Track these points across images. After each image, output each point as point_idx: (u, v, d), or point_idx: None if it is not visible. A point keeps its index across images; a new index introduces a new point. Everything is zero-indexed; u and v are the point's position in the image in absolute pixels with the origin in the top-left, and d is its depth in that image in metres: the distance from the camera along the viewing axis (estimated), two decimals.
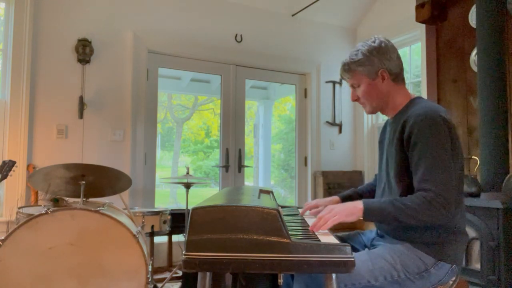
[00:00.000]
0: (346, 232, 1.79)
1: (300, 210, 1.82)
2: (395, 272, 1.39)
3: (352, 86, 1.61)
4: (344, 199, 1.79)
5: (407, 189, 1.45)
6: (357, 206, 1.38)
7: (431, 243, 1.42)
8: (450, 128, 1.41)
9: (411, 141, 1.41)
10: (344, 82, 4.68)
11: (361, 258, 1.39)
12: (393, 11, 4.26)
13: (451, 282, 1.47)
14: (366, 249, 1.61)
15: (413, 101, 1.56)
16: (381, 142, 1.72)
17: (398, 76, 1.57)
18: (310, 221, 1.56)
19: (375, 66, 1.54)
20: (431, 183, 1.35)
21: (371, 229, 1.73)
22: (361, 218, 1.37)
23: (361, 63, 1.54)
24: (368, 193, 1.83)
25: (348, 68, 1.58)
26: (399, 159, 1.47)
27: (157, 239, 3.43)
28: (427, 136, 1.38)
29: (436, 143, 1.37)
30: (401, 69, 1.59)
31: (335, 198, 1.79)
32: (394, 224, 1.44)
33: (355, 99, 1.63)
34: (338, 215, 1.35)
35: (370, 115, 4.62)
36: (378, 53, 1.54)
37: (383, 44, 1.55)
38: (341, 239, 1.35)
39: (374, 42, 1.56)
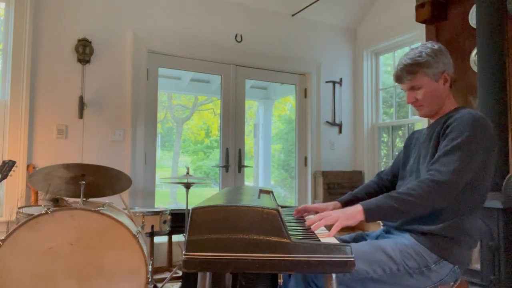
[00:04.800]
0: (349, 234, 1.78)
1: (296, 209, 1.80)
2: (394, 265, 1.38)
3: (412, 88, 1.57)
4: (345, 204, 1.77)
5: None
6: (356, 208, 1.37)
7: (436, 236, 1.41)
8: (490, 135, 1.43)
9: (447, 130, 1.45)
10: (345, 81, 4.69)
11: (361, 248, 1.39)
12: (393, 11, 4.25)
13: (452, 283, 1.47)
14: (369, 239, 1.60)
15: (460, 108, 1.58)
16: (407, 146, 1.73)
17: (452, 82, 1.58)
18: None
19: (440, 68, 1.53)
20: (441, 164, 1.38)
21: (374, 231, 1.73)
22: (363, 220, 1.36)
23: (428, 65, 1.52)
24: (366, 196, 1.81)
25: (412, 70, 1.53)
26: (435, 152, 1.48)
27: (157, 239, 3.43)
28: (464, 129, 1.41)
29: (468, 137, 1.39)
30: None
31: (336, 203, 1.77)
32: (398, 216, 1.41)
33: (413, 101, 1.59)
34: (339, 219, 1.33)
35: (370, 115, 4.62)
36: (442, 55, 1.54)
37: (443, 48, 1.57)
38: (345, 242, 1.34)
39: (433, 46, 1.56)
